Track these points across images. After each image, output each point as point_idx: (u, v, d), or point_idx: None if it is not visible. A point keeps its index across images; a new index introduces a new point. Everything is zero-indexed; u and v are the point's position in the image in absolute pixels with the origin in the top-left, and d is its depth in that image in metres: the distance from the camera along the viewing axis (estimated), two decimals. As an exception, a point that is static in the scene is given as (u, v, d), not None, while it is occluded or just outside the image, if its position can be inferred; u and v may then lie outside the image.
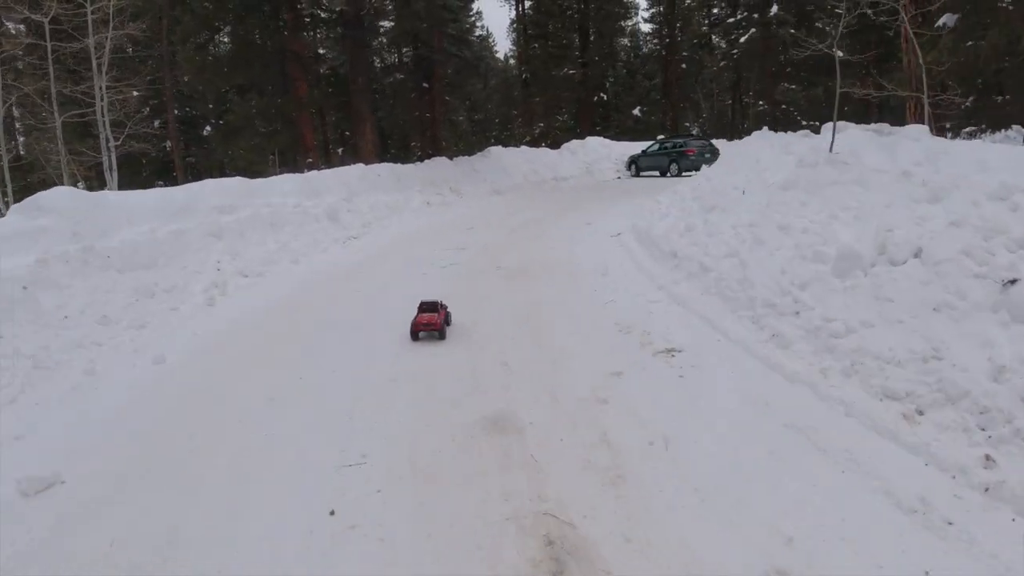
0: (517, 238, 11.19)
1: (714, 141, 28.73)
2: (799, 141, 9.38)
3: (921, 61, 8.42)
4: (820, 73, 41.20)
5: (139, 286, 7.59)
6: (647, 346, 5.16)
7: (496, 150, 25.57)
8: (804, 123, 39.96)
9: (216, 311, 7.38)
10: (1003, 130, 12.30)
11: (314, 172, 14.81)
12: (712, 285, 6.32)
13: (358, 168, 16.36)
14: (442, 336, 5.86)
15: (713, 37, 49.91)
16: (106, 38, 15.04)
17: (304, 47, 24.24)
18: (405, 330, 5.92)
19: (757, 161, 9.01)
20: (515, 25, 45.54)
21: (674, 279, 6.98)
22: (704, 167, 25.85)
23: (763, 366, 4.70)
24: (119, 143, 15.45)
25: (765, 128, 13.54)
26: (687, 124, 50.11)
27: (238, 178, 12.91)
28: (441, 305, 6.11)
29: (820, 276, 5.37)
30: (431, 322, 5.81)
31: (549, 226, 12.33)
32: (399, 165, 18.90)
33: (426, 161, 21.28)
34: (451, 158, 22.97)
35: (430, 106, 26.58)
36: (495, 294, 7.22)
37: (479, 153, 25.05)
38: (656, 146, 28.15)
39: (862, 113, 41.44)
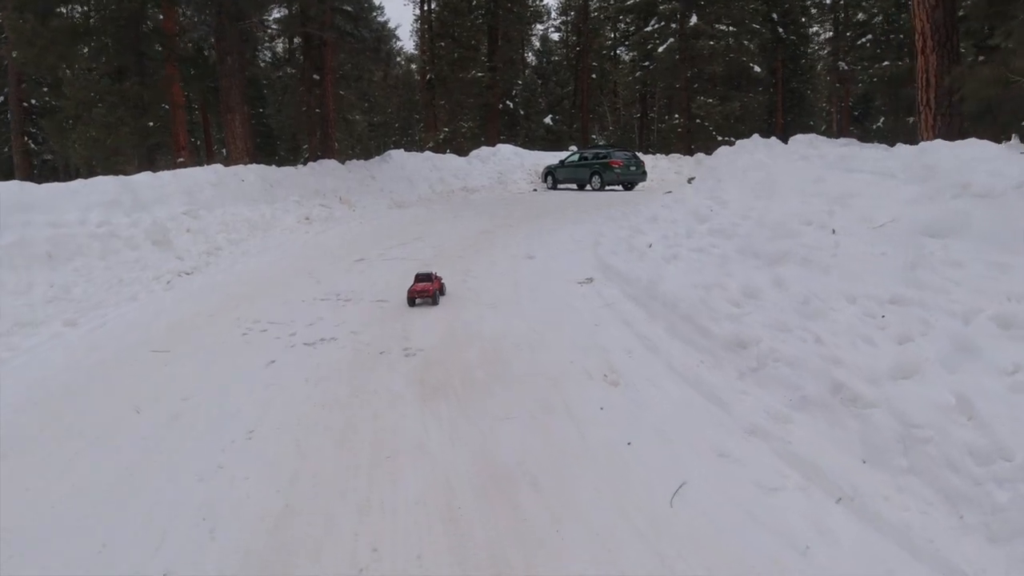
0: (433, 281, 7.52)
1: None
2: (867, 153, 6.28)
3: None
4: (736, 88, 39.90)
5: None
6: None
7: (397, 154, 21.74)
8: (720, 138, 38.22)
9: None
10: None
11: (143, 175, 10.62)
12: (892, 443, 2.94)
13: (212, 170, 12.22)
14: (435, 302, 6.27)
15: (619, 51, 48.04)
16: None
17: (173, 26, 19.78)
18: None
19: (816, 181, 5.81)
20: (418, 24, 42.01)
21: (770, 407, 3.57)
22: (640, 183, 23.57)
23: None
24: None
25: (756, 135, 10.58)
26: (594, 136, 48.09)
27: (13, 183, 8.68)
28: (436, 275, 6.49)
29: None
30: (425, 290, 6.27)
31: (477, 261, 8.70)
32: (273, 168, 14.79)
33: (310, 164, 17.24)
34: (343, 161, 19.01)
35: (321, 101, 22.51)
36: (406, 437, 3.51)
37: (377, 157, 21.17)
38: (575, 157, 25.21)
39: (765, 131, 40.38)
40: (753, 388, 3.81)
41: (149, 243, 8.58)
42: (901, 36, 37.87)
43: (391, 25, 40.26)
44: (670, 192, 10.71)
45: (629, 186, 23.34)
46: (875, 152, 6.60)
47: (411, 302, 6.26)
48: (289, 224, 11.99)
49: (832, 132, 42.51)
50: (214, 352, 5.14)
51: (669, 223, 7.22)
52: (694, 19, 36.68)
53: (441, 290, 6.51)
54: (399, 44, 46.60)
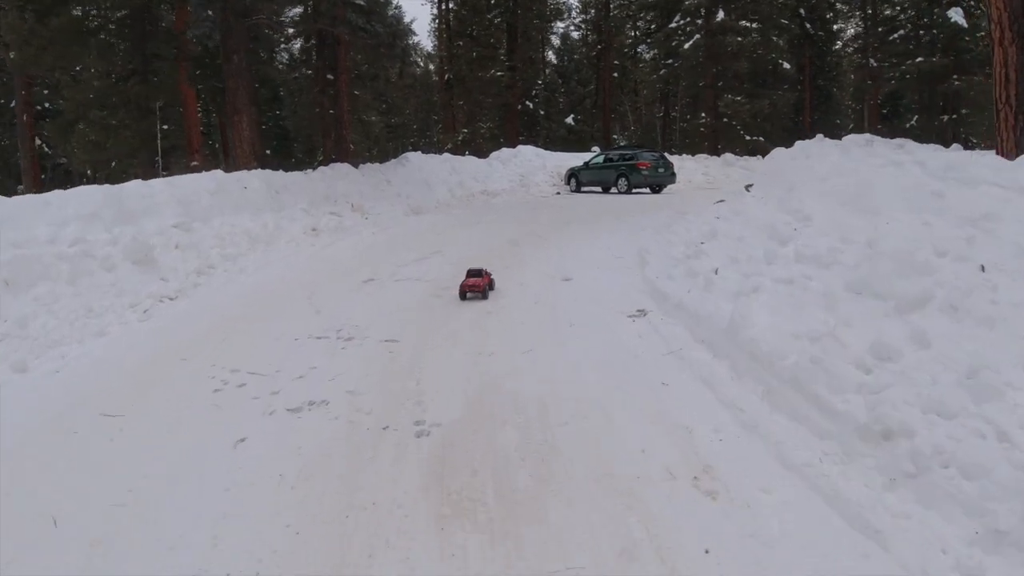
0: (452, 314, 6.39)
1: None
2: (982, 161, 5.08)
3: None
4: (762, 85, 38.40)
5: None
6: None
7: (415, 156, 20.68)
8: (748, 138, 36.78)
9: None
10: None
11: (132, 183, 9.59)
12: None
13: (211, 177, 11.15)
14: (484, 297, 6.69)
15: (639, 49, 46.64)
16: None
17: (184, 26, 18.85)
18: None
19: (934, 196, 4.61)
20: (436, 23, 41.02)
21: (947, 543, 2.39)
22: (668, 186, 22.34)
23: None
24: None
25: (820, 135, 9.43)
26: (616, 136, 46.85)
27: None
28: (486, 272, 6.91)
29: None
30: (476, 285, 6.69)
31: (506, 281, 7.33)
32: (280, 173, 13.71)
33: (321, 168, 16.17)
34: (357, 164, 17.95)
35: (335, 101, 21.50)
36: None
37: (393, 160, 20.11)
38: (600, 158, 24.01)
39: (792, 130, 38.83)
40: (914, 508, 2.63)
41: (129, 263, 7.52)
42: (934, 31, 36.28)
43: (407, 20, 39.18)
44: (722, 201, 9.49)
45: (657, 189, 22.18)
46: (990, 160, 5.40)
47: (463, 296, 6.68)
48: (294, 235, 10.92)
49: (861, 131, 40.82)
50: (175, 419, 4.02)
51: (735, 241, 6.03)
52: (720, 15, 35.27)
53: (491, 285, 6.94)
54: (416, 40, 45.57)
